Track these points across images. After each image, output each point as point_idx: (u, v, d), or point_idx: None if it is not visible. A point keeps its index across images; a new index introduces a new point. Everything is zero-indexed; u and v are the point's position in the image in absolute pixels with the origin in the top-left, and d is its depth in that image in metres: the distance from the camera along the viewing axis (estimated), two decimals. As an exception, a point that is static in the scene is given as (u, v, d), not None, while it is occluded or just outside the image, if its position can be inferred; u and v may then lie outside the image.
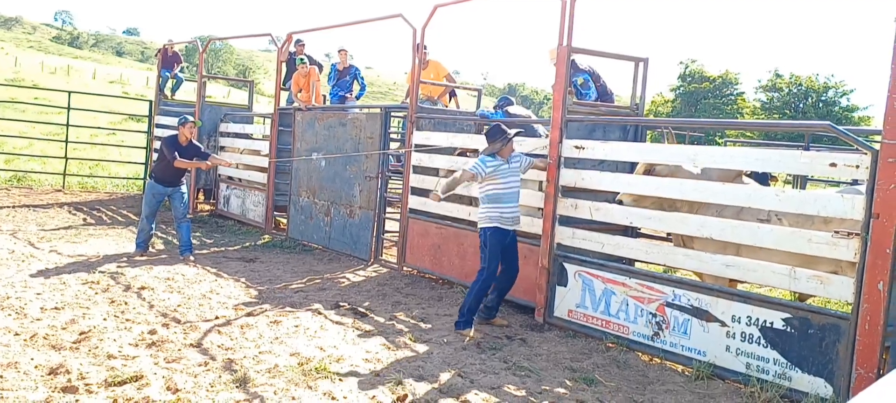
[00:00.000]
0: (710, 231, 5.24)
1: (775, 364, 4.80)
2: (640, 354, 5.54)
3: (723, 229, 5.17)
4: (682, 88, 52.22)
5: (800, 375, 4.69)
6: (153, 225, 8.69)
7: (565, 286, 6.17)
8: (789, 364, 4.73)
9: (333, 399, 4.28)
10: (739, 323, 5.00)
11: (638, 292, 5.64)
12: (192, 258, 8.39)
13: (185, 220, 8.60)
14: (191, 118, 8.69)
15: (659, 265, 6.46)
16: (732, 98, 50.18)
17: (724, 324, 5.08)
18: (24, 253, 7.97)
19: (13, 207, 11.29)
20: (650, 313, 5.54)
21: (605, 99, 7.63)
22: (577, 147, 6.14)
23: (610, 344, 5.73)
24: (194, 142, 8.63)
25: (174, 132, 8.65)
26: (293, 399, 4.23)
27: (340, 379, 4.59)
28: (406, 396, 4.35)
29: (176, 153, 8.35)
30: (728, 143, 15.05)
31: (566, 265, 6.17)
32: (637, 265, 6.74)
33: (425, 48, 9.82)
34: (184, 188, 8.66)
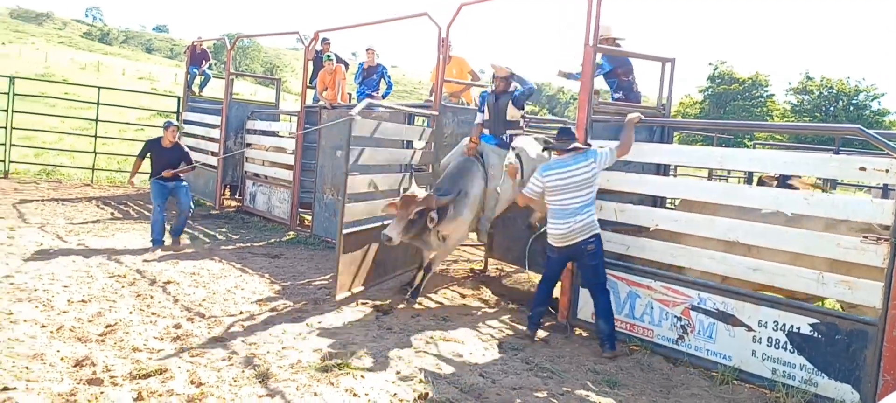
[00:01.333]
0: (738, 234, 5.17)
1: (802, 369, 4.73)
2: (664, 358, 5.49)
3: (751, 232, 5.10)
4: (711, 90, 51.71)
5: (826, 381, 4.61)
6: (164, 216, 9.02)
7: (588, 287, 6.13)
8: (816, 369, 4.66)
9: (355, 395, 4.29)
10: (766, 327, 4.93)
11: (663, 295, 5.59)
12: (185, 241, 9.22)
13: (185, 213, 9.16)
14: (175, 122, 9.34)
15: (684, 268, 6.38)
16: (762, 100, 49.58)
17: (750, 329, 5.02)
18: (52, 246, 8.10)
19: (42, 201, 11.48)
20: (675, 316, 5.49)
21: (631, 98, 7.56)
22: (601, 148, 6.09)
23: (634, 347, 5.68)
24: (180, 144, 9.18)
25: (163, 135, 9.08)
26: (315, 394, 4.25)
27: (362, 376, 4.61)
28: (427, 394, 4.35)
29: (150, 154, 9.04)
30: (757, 146, 14.87)
31: (590, 266, 6.12)
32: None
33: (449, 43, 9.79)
34: (185, 183, 9.21)
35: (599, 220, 6.06)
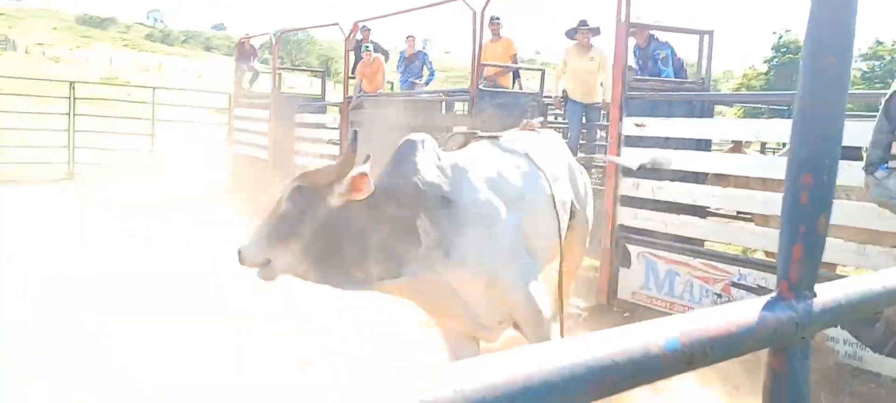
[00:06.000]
0: (777, 208, 5.00)
1: (845, 344, 4.56)
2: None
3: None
4: (776, 60, 49.75)
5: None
6: None
7: (628, 267, 6.04)
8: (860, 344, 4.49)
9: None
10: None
11: (703, 272, 5.46)
12: None
13: None
14: None
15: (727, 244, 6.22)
16: (829, 68, 47.49)
17: (793, 305, 4.86)
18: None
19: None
20: (715, 294, 5.36)
21: (680, 75, 7.40)
22: (637, 124, 5.98)
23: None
24: None
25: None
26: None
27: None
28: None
29: None
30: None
31: (629, 246, 6.03)
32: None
33: (498, 19, 9.66)
34: None
35: (637, 198, 5.98)
